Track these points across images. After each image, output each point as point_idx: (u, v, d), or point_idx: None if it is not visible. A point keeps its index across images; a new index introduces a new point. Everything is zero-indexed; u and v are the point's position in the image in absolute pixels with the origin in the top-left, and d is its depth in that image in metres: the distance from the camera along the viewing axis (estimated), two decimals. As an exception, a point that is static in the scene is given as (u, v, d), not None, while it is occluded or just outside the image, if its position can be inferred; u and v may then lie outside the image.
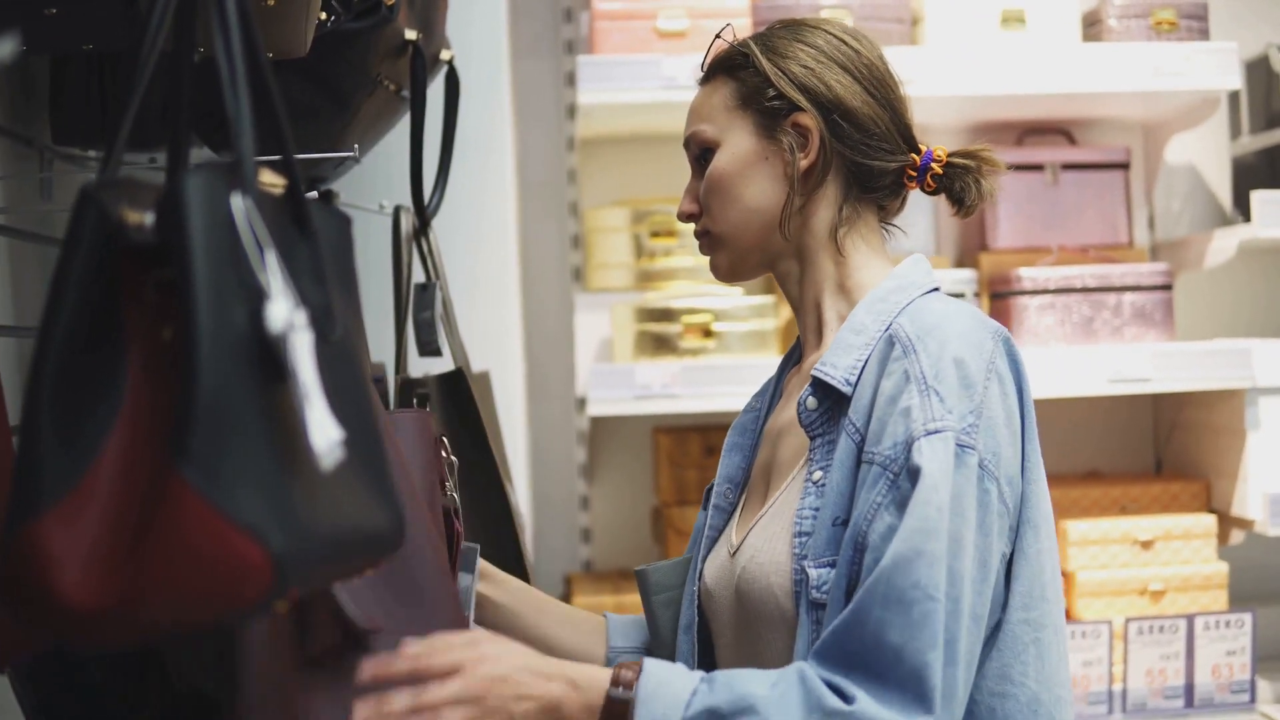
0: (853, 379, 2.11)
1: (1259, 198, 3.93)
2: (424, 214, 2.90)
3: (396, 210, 2.86)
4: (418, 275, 2.89)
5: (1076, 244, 4.23)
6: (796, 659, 2.03)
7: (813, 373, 2.15)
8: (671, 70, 3.69)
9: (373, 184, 3.16)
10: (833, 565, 2.03)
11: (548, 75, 4.31)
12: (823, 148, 2.22)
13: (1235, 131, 4.48)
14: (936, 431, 1.97)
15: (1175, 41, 4.09)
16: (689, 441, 4.06)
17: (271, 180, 1.55)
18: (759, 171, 2.24)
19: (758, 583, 2.14)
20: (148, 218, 1.39)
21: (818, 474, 2.10)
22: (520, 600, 2.49)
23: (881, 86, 2.26)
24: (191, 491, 1.30)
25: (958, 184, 2.28)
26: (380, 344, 2.93)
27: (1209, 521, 3.97)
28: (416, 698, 1.87)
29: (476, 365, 3.14)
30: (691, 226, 3.90)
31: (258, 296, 1.37)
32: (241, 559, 1.30)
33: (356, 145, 2.42)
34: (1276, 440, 3.92)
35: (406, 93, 2.75)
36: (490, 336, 3.50)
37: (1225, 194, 4.58)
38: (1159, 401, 4.49)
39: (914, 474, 1.95)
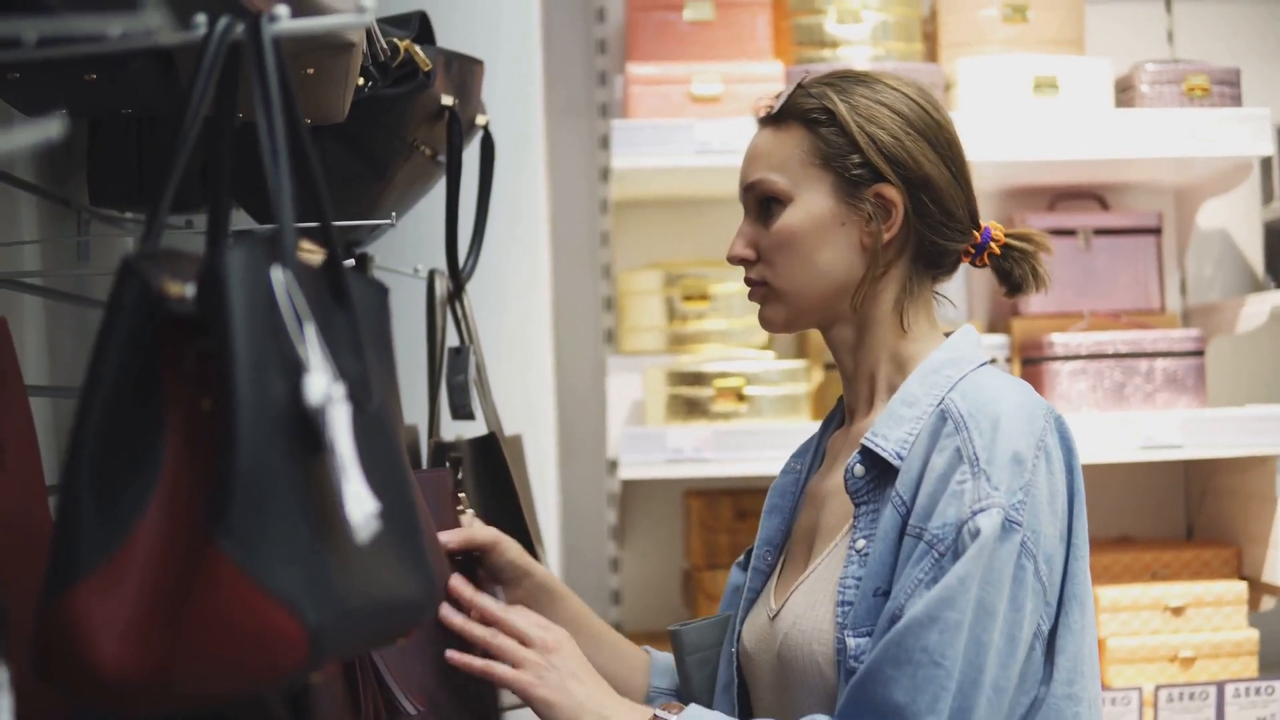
0: (903, 452, 2.10)
1: (1291, 265, 3.94)
2: (459, 278, 2.91)
3: (431, 274, 2.87)
4: (452, 339, 2.90)
5: (1109, 309, 4.24)
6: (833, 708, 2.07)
7: (863, 442, 2.14)
8: (705, 135, 3.71)
9: (408, 248, 3.17)
10: (869, 635, 2.04)
11: (582, 138, 4.33)
12: (905, 224, 2.19)
13: (1267, 196, 4.48)
14: (985, 510, 1.98)
15: (1207, 108, 4.09)
16: (720, 505, 4.06)
17: (310, 250, 1.56)
18: (834, 236, 2.20)
19: (799, 649, 2.13)
20: (188, 289, 1.40)
21: (861, 542, 2.10)
22: (578, 623, 2.49)
23: (960, 163, 2.24)
24: (229, 564, 1.31)
25: (1013, 267, 2.28)
26: (413, 407, 2.94)
27: (1240, 588, 3.96)
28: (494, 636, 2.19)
29: (509, 427, 3.14)
30: (725, 286, 3.95)
31: (297, 369, 1.38)
32: (278, 631, 1.31)
33: (395, 213, 2.43)
34: (1308, 507, 3.91)
35: (442, 158, 2.76)
36: (523, 399, 3.51)
37: (1257, 259, 4.58)
38: (1190, 467, 4.48)
39: (959, 553, 1.98)
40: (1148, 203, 4.51)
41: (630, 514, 4.33)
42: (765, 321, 2.29)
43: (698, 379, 3.78)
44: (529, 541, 2.76)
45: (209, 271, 1.37)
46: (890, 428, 2.12)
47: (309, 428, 1.37)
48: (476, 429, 2.86)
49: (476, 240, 2.98)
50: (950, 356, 2.19)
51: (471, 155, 2.97)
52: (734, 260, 2.29)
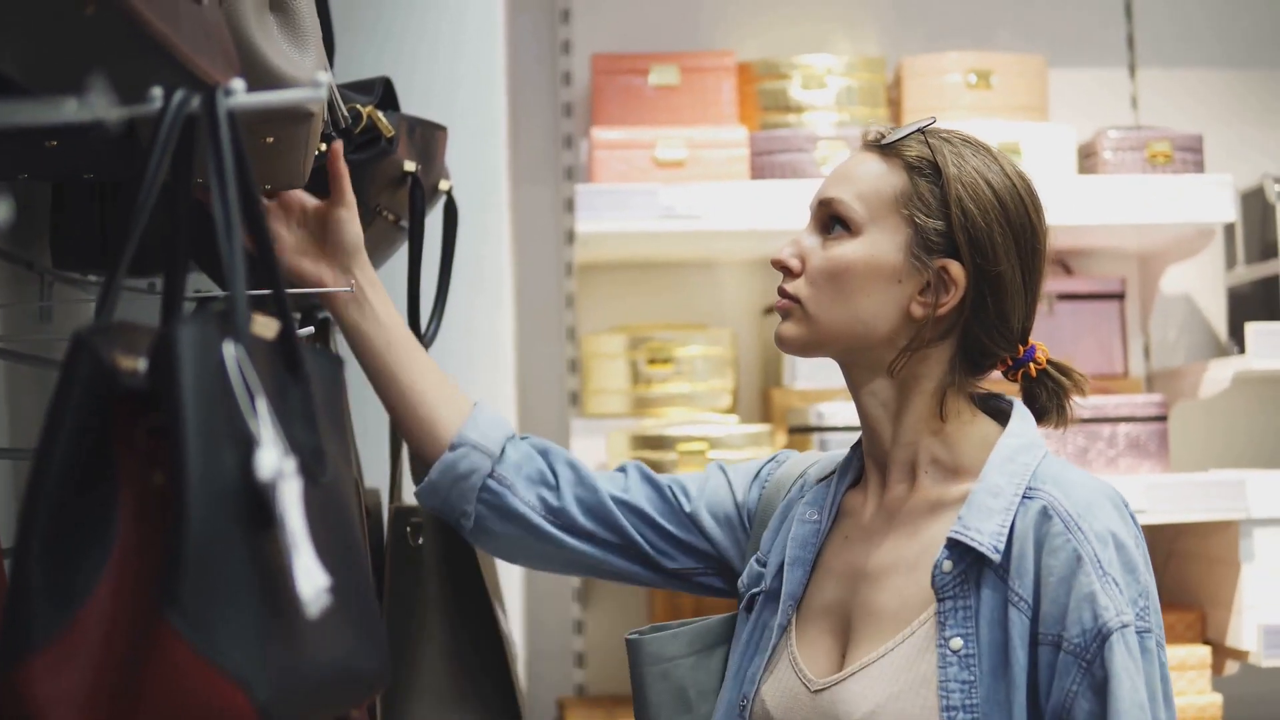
0: (1000, 545, 2.04)
1: (1254, 329, 3.95)
2: (421, 339, 2.91)
3: (393, 339, 2.88)
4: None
5: (1072, 373, 4.25)
6: None
7: (953, 535, 2.06)
8: (669, 200, 3.72)
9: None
10: None
11: (547, 202, 4.35)
12: (959, 310, 2.13)
13: (1231, 262, 4.51)
14: (1124, 626, 1.97)
15: (1170, 174, 4.12)
16: (684, 567, 4.06)
17: (264, 323, 1.56)
18: (886, 289, 2.14)
19: None
20: (140, 363, 1.41)
21: (957, 642, 2.03)
22: (396, 328, 2.46)
23: (1036, 275, 2.18)
24: (179, 640, 1.31)
25: (1042, 394, 2.23)
26: (375, 471, 2.95)
27: (1203, 653, 3.97)
28: None
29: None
30: (689, 349, 3.96)
31: (247, 444, 1.38)
32: (228, 708, 1.31)
33: (354, 282, 2.43)
34: (1271, 571, 3.92)
35: (405, 223, 2.77)
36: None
37: (1221, 324, 4.60)
38: (1154, 532, 4.50)
39: (1108, 666, 1.96)
40: (1111, 268, 4.53)
41: (594, 580, 4.33)
42: (782, 339, 2.23)
43: (661, 442, 3.79)
44: (490, 612, 2.76)
45: (160, 346, 1.37)
46: (980, 520, 2.06)
47: (259, 503, 1.37)
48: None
49: (439, 305, 2.98)
50: (1021, 442, 2.13)
51: (435, 220, 2.98)
52: (777, 265, 2.22)
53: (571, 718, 3.92)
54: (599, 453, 3.99)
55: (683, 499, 2.46)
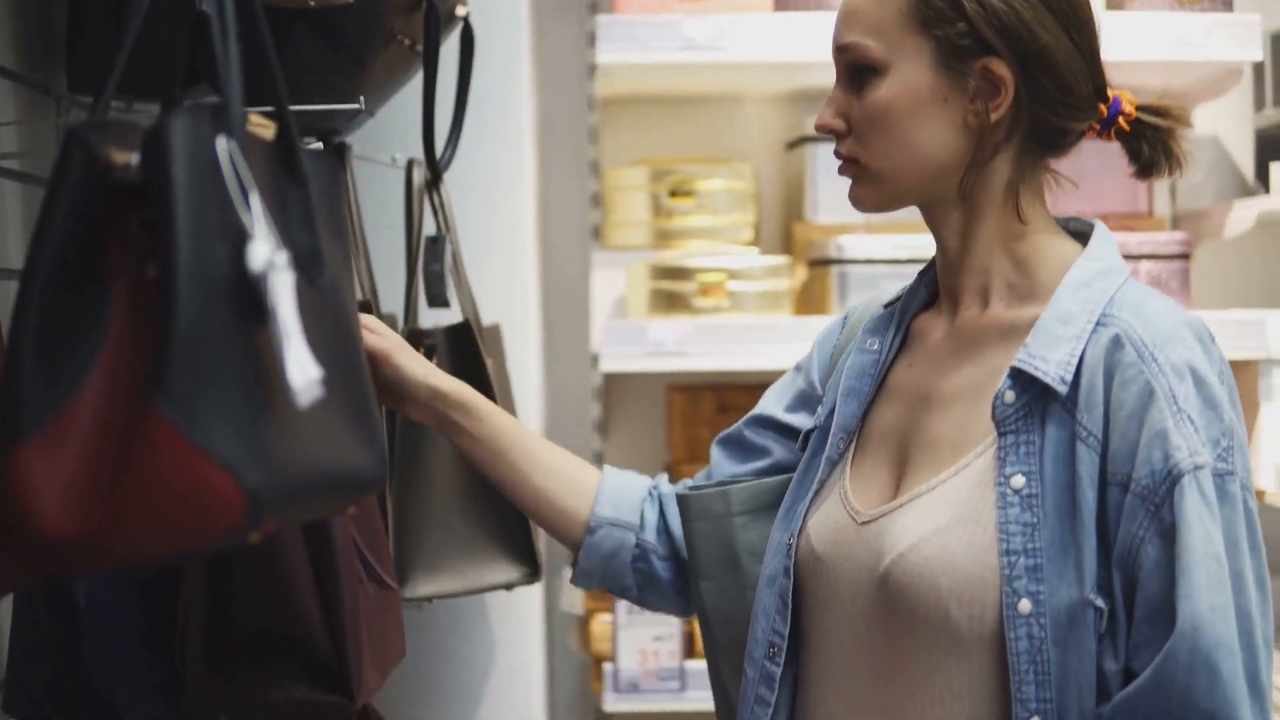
0: (1068, 376, 1.90)
1: (1278, 169, 3.94)
2: (436, 168, 2.93)
3: (409, 163, 2.89)
4: (429, 228, 2.92)
5: (1096, 211, 4.22)
6: (970, 678, 1.92)
7: (1016, 365, 1.93)
8: (690, 31, 3.70)
9: (388, 138, 3.19)
10: (1052, 598, 1.87)
11: (571, 35, 4.32)
12: (1016, 102, 1.98)
13: (1259, 104, 4.48)
14: (1198, 468, 1.84)
15: (1198, 12, 4.08)
16: (702, 399, 4.08)
17: (262, 124, 1.58)
18: (935, 114, 1.99)
19: (918, 578, 1.93)
20: (133, 157, 1.42)
21: (1018, 480, 1.90)
22: (501, 440, 2.31)
23: (1085, 29, 2.01)
24: (168, 426, 1.33)
25: (1143, 146, 2.06)
26: (391, 294, 2.97)
27: (1220, 492, 3.97)
28: None
29: (491, 319, 3.17)
30: (712, 183, 3.96)
31: (239, 236, 1.40)
32: (215, 492, 1.33)
33: (363, 97, 2.43)
34: (1289, 411, 3.93)
35: (421, 48, 2.77)
36: (505, 291, 3.53)
37: (1248, 166, 4.58)
38: (1175, 371, 4.49)
39: (1178, 511, 1.82)
40: (1138, 107, 4.50)
41: (613, 408, 4.36)
42: (856, 201, 2.09)
43: (681, 274, 3.79)
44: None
45: (152, 138, 1.39)
46: (1048, 348, 1.92)
47: (251, 294, 1.38)
48: (453, 317, 2.89)
49: (455, 131, 2.99)
50: (1100, 266, 1.98)
51: (453, 47, 2.98)
52: (821, 129, 2.09)
53: (591, 547, 3.95)
54: (619, 284, 4.00)
55: (757, 416, 2.35)
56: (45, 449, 1.37)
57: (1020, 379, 1.93)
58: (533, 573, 2.93)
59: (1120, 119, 2.04)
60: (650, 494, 2.37)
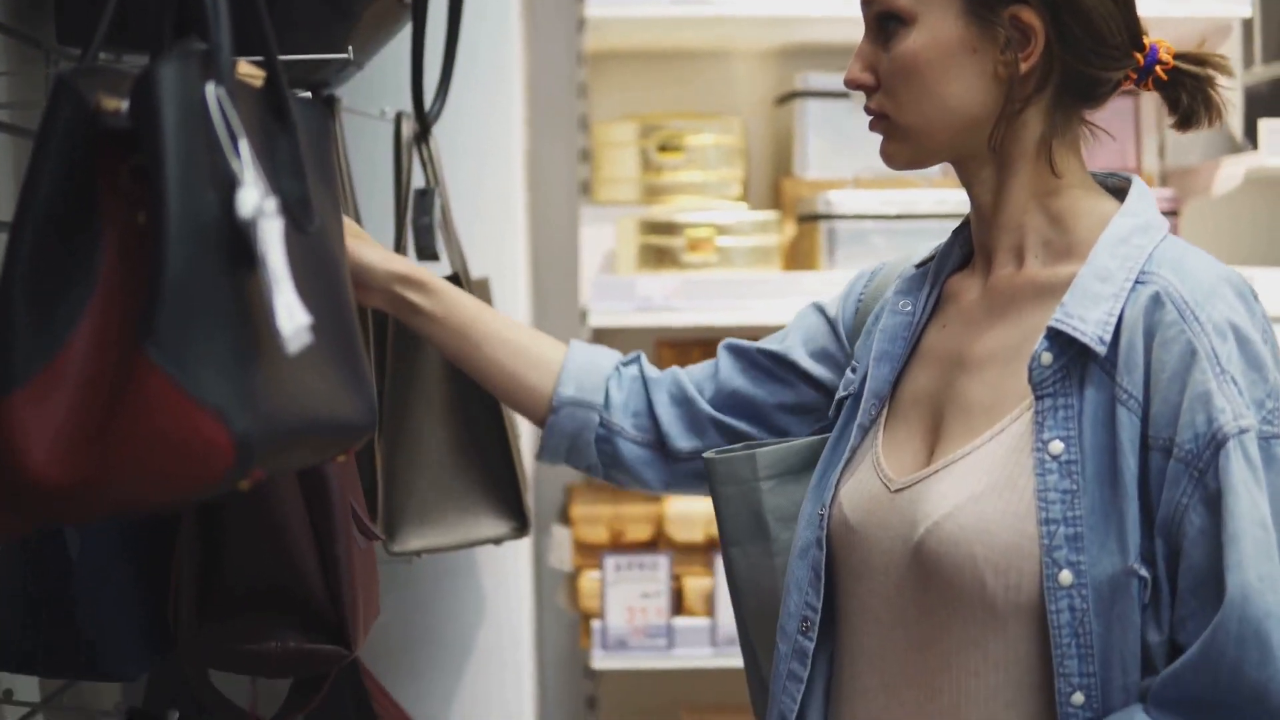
0: (1107, 335, 1.84)
1: (1267, 125, 3.94)
2: (424, 120, 2.92)
3: (398, 116, 2.89)
4: (418, 181, 2.91)
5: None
6: (1007, 650, 1.88)
7: (1053, 324, 1.87)
8: (680, -17, 3.70)
9: (377, 90, 3.18)
10: (1093, 568, 1.82)
11: (561, -12, 4.33)
12: (1047, 52, 1.91)
13: (1248, 60, 4.47)
14: (1243, 431, 1.77)
15: (1196, -31, 4.08)
16: (690, 355, 4.07)
17: (251, 72, 1.57)
18: (964, 65, 1.94)
19: (953, 547, 1.88)
20: (123, 104, 1.42)
21: (1057, 445, 1.85)
22: (459, 313, 2.29)
23: None
24: (157, 372, 1.33)
25: (1182, 95, 2.00)
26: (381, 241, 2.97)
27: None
28: None
29: (480, 273, 3.16)
30: (701, 138, 3.96)
31: (228, 183, 1.39)
32: (205, 438, 1.34)
33: (350, 47, 2.42)
34: None
35: (410, 1, 2.77)
36: (494, 245, 3.52)
37: (1237, 122, 4.57)
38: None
39: (1223, 477, 1.76)
40: (1128, 63, 4.50)
41: (603, 364, 4.36)
42: (888, 157, 2.04)
43: (669, 228, 3.79)
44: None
45: (141, 84, 1.38)
46: (1085, 307, 1.87)
47: (240, 240, 1.38)
48: (442, 270, 2.88)
49: (444, 84, 2.99)
50: (1138, 223, 1.93)
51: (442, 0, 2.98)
52: (850, 84, 2.03)
53: (579, 503, 3.96)
54: (608, 239, 4.00)
55: (774, 348, 2.30)
56: (36, 397, 1.37)
57: (1058, 339, 1.87)
58: (521, 527, 2.93)
59: (1158, 68, 1.98)
60: (617, 371, 2.36)
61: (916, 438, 2.01)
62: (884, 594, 1.97)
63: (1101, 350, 1.84)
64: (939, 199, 3.82)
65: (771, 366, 2.29)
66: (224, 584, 2.05)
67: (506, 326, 2.34)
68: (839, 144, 3.96)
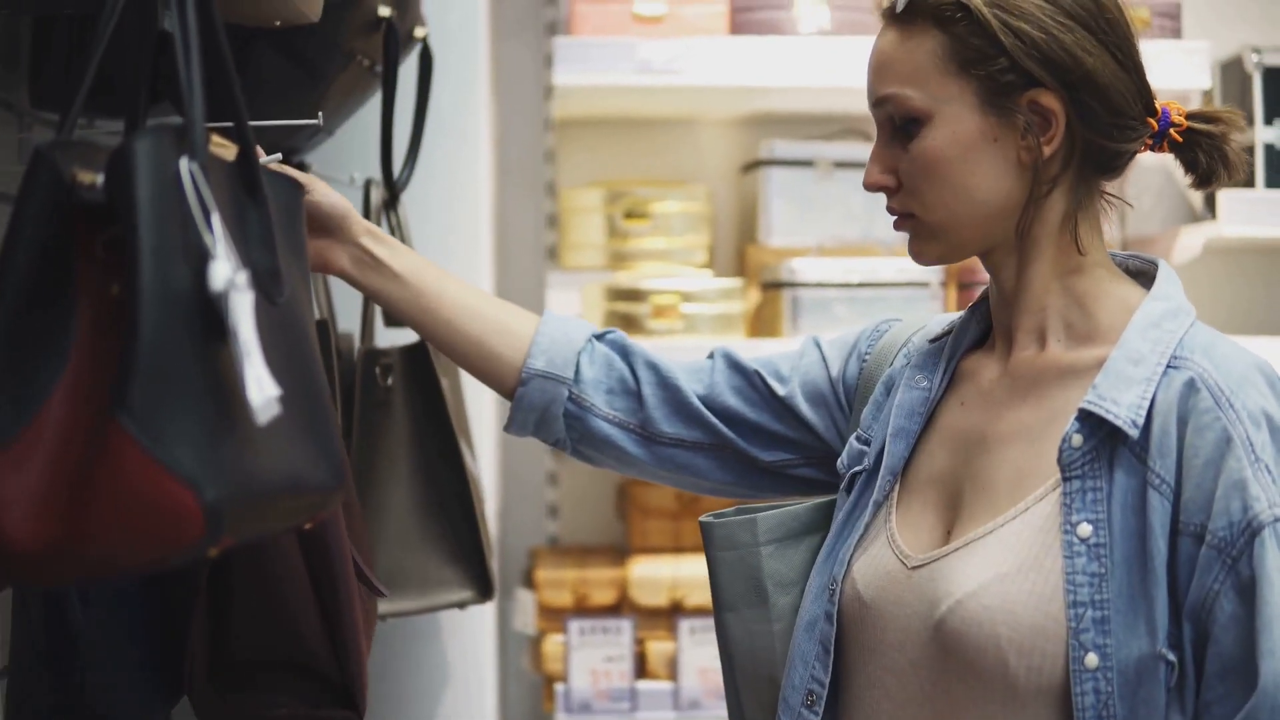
0: (1140, 419, 1.84)
1: (1226, 196, 3.97)
2: (393, 187, 2.95)
3: (367, 183, 2.92)
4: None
5: (1046, 237, 4.27)
6: None
7: (1086, 406, 1.86)
8: (646, 54, 3.73)
9: (346, 157, 3.21)
10: (1152, 650, 1.82)
11: (529, 56, 4.35)
12: (1068, 132, 1.91)
13: (1208, 131, 4.51)
14: (1277, 520, 1.78)
15: (1148, 39, 4.12)
16: (655, 421, 4.11)
17: (223, 144, 1.60)
18: (987, 156, 1.93)
19: (977, 627, 1.86)
20: (99, 177, 1.44)
21: (1085, 529, 1.84)
22: (422, 273, 2.26)
23: (1126, 46, 1.94)
24: (130, 440, 1.36)
25: (1199, 155, 1.99)
26: (348, 314, 2.99)
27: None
28: None
29: (445, 338, 3.19)
30: (666, 205, 3.99)
31: (201, 256, 1.42)
32: (177, 506, 1.36)
33: (320, 114, 2.45)
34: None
35: (380, 68, 2.80)
36: (461, 311, 3.55)
37: (1196, 193, 4.61)
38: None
39: (1257, 565, 1.78)
40: (1089, 134, 4.53)
41: (569, 430, 4.38)
42: (917, 255, 2.02)
43: (635, 295, 3.82)
44: (455, 447, 2.81)
45: (117, 158, 1.41)
46: (1118, 390, 1.86)
47: (212, 313, 1.41)
48: (409, 337, 2.91)
49: (413, 151, 3.02)
50: (1169, 307, 1.92)
51: (411, 68, 3.01)
52: (871, 188, 2.01)
53: (543, 567, 3.97)
54: (574, 305, 4.02)
55: (775, 384, 2.25)
56: (12, 463, 1.39)
57: (1089, 421, 1.86)
58: (485, 592, 2.95)
59: (1172, 130, 1.97)
60: (590, 344, 2.30)
61: (931, 515, 2.00)
62: (897, 670, 1.96)
63: (1134, 433, 1.84)
64: (900, 267, 3.85)
65: (769, 398, 2.25)
66: (232, 655, 2.05)
67: (473, 293, 2.30)
68: (803, 212, 3.99)
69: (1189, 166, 2.01)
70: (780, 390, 2.25)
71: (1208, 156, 1.99)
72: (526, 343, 2.26)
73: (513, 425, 2.30)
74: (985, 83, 1.91)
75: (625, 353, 2.32)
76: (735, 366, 2.28)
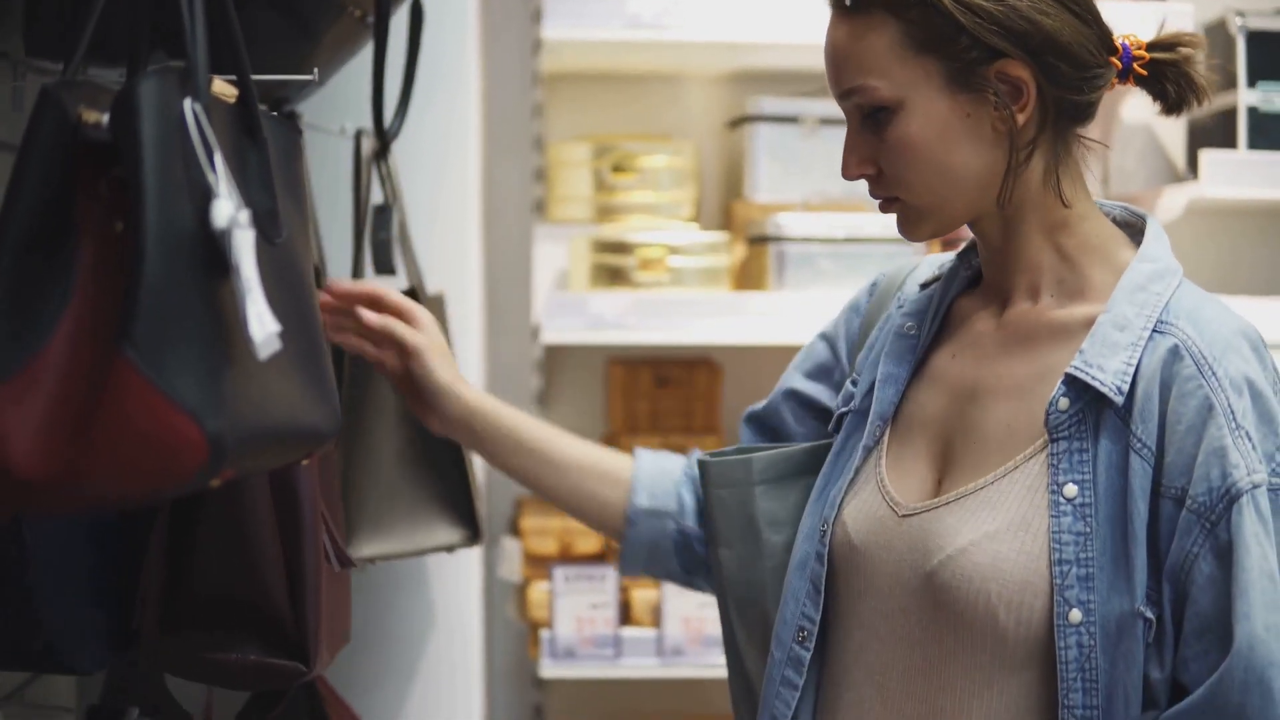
0: (1124, 386, 1.87)
1: (1208, 156, 3.99)
2: (384, 138, 2.97)
3: (358, 133, 2.94)
4: (377, 197, 2.97)
5: (1029, 196, 4.29)
6: (1012, 677, 1.92)
7: (1071, 372, 1.89)
8: (636, 8, 3.73)
9: (337, 108, 3.23)
10: (1103, 610, 1.86)
11: (517, 10, 4.36)
12: (1039, 95, 1.91)
13: (1190, 92, 4.53)
14: (1256, 486, 1.82)
15: (1130, 1, 4.15)
16: (641, 373, 4.13)
17: (225, 90, 1.64)
18: (963, 133, 1.93)
19: (970, 583, 1.91)
20: (104, 117, 1.48)
21: (1071, 489, 1.88)
22: (519, 443, 2.29)
23: (1083, 0, 1.93)
24: (135, 374, 1.39)
25: (1168, 84, 2.00)
26: (338, 262, 3.02)
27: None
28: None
29: (434, 288, 3.22)
30: (654, 159, 4.01)
31: (204, 195, 1.46)
32: (180, 437, 1.40)
33: (316, 69, 2.47)
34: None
35: (371, 20, 2.82)
36: (449, 262, 3.56)
37: (1179, 153, 4.63)
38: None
39: (1235, 531, 1.82)
40: (1073, 93, 4.55)
41: (554, 380, 4.41)
42: (908, 235, 2.04)
43: (621, 248, 3.84)
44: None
45: (122, 99, 1.44)
46: (1104, 356, 1.89)
47: (214, 250, 1.45)
48: (399, 285, 2.94)
49: (403, 102, 3.04)
50: (1154, 268, 1.94)
51: (402, 20, 3.03)
52: (851, 179, 2.01)
53: (529, 516, 4.00)
54: (561, 259, 4.05)
55: (785, 388, 2.31)
56: (16, 395, 1.43)
57: (1075, 386, 1.90)
58: (473, 535, 2.98)
59: (1135, 65, 1.98)
60: (686, 475, 2.31)
61: (922, 463, 2.03)
62: (886, 612, 2.00)
63: (1119, 400, 1.87)
64: (885, 223, 3.85)
65: (780, 412, 2.30)
66: (190, 592, 2.07)
67: (567, 443, 2.33)
68: (789, 168, 4.01)
69: (1158, 96, 2.02)
70: (789, 385, 2.31)
71: (1175, 85, 2.00)
72: (628, 482, 2.30)
73: (624, 565, 2.34)
74: (949, 63, 1.91)
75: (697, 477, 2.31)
76: (750, 419, 2.35)
